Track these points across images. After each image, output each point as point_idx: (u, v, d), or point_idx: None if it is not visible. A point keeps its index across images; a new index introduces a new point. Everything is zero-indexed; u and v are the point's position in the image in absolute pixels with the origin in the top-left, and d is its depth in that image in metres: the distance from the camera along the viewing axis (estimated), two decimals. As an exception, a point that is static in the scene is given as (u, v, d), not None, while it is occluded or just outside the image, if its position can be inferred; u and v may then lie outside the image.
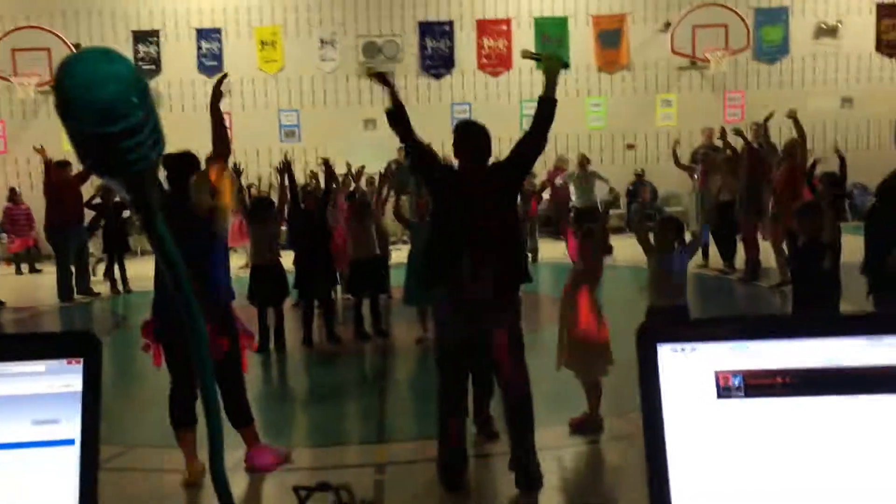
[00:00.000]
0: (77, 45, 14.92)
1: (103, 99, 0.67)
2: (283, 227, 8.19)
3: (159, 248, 0.74)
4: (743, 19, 15.64)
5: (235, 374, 4.53)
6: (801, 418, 0.87)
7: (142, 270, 11.49)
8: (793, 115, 9.13)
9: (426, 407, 5.76)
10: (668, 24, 15.76)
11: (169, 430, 4.49)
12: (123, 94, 0.68)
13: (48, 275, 12.84)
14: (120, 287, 10.99)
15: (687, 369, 0.90)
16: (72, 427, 0.85)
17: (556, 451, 4.84)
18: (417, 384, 6.56)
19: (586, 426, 5.05)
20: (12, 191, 13.75)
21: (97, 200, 11.06)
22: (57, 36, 14.88)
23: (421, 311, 7.62)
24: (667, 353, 0.90)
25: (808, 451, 0.86)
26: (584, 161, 12.60)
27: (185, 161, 4.46)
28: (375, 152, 15.38)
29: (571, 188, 12.24)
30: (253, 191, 13.23)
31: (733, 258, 10.62)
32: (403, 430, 5.58)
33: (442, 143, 15.17)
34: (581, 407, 5.10)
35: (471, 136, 4.31)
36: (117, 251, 11.04)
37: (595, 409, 5.06)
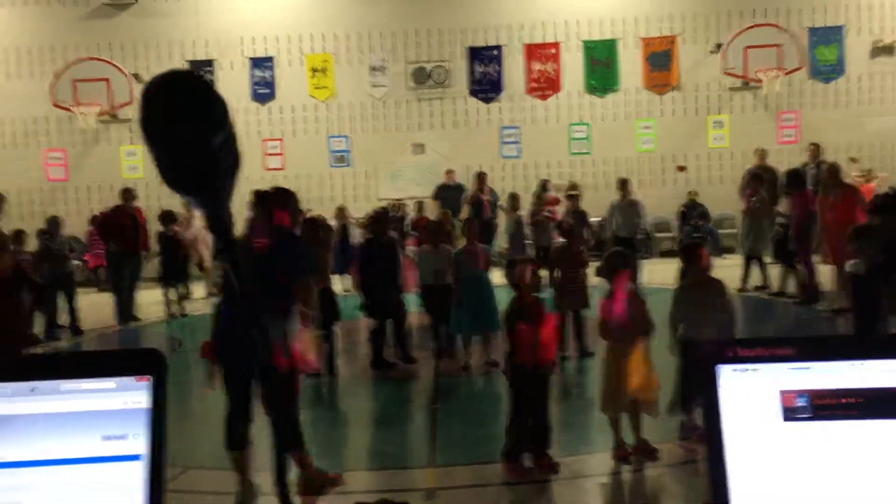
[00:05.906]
0: (136, 76, 15.38)
1: (189, 117, 0.69)
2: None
3: (233, 267, 0.75)
4: (797, 39, 15.40)
5: (289, 397, 4.55)
6: (872, 442, 0.85)
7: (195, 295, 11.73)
8: None
9: (476, 431, 5.74)
10: (719, 45, 15.60)
11: (222, 453, 4.54)
12: (208, 114, 0.70)
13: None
14: (176, 311, 11.21)
15: (750, 390, 0.88)
16: (139, 443, 0.87)
17: (605, 478, 4.77)
18: (468, 409, 6.53)
19: (626, 455, 4.97)
20: (95, 217, 14.18)
21: (161, 229, 11.32)
22: (116, 67, 15.35)
23: (465, 339, 7.62)
24: (728, 374, 0.89)
25: (880, 477, 0.84)
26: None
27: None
28: (424, 176, 15.51)
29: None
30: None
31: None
32: (455, 454, 5.54)
33: (491, 167, 15.31)
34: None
35: None
36: (174, 276, 11.27)
37: (640, 439, 4.98)
